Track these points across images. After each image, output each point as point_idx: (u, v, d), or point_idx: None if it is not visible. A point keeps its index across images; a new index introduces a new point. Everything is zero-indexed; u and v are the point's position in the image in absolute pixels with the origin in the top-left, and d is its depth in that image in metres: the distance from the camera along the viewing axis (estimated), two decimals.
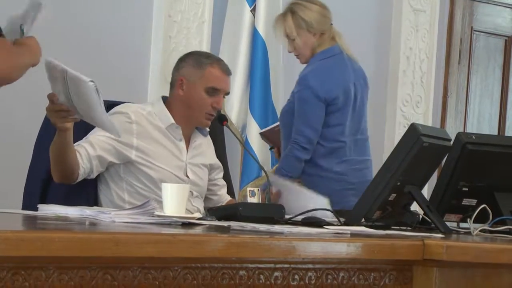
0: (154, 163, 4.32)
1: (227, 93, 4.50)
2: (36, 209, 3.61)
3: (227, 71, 4.44)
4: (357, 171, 5.82)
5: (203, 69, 4.40)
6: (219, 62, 4.51)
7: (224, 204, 4.62)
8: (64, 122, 3.85)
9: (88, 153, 4.22)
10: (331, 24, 5.71)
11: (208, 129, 4.55)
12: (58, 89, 3.96)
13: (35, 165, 4.41)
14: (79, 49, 5.54)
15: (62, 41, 5.48)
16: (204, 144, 4.55)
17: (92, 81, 3.93)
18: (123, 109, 4.40)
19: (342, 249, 3.19)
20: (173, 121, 4.39)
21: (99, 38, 5.69)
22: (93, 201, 4.42)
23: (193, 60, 4.48)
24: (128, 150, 4.30)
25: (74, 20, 5.55)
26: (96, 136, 4.27)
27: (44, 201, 4.18)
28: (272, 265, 3.00)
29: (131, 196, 4.33)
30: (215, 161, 4.61)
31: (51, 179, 4.36)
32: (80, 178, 4.24)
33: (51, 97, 3.80)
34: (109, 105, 4.52)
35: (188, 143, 4.45)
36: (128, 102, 4.61)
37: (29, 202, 4.30)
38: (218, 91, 4.36)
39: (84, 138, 4.29)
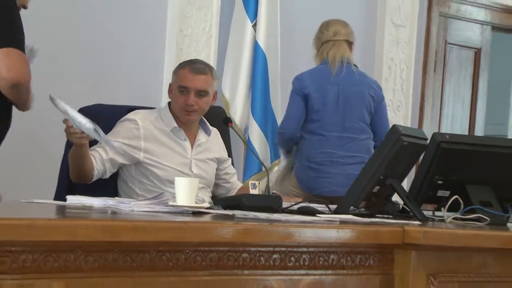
0: (161, 162, 4.31)
1: (202, 91, 4.37)
2: (65, 200, 3.62)
3: (195, 71, 4.38)
4: (338, 164, 5.80)
5: (176, 72, 4.44)
6: (190, 64, 4.48)
7: (237, 190, 4.66)
8: (80, 141, 3.91)
9: (102, 157, 4.24)
10: (325, 42, 5.73)
11: (211, 129, 4.53)
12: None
13: (66, 163, 4.41)
14: (103, 60, 5.52)
15: (85, 53, 5.47)
16: (210, 141, 4.54)
17: (90, 122, 3.93)
18: (132, 116, 4.40)
19: (332, 235, 3.19)
20: (175, 124, 4.39)
21: (119, 50, 5.69)
22: (114, 194, 4.43)
23: (175, 68, 4.54)
24: (137, 152, 4.31)
25: (98, 33, 5.53)
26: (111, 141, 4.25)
27: (73, 192, 4.18)
28: (271, 249, 3.00)
29: (142, 191, 4.33)
30: (222, 154, 4.60)
31: None
32: (94, 179, 4.26)
33: (65, 122, 3.82)
34: (129, 110, 4.54)
35: (193, 141, 4.44)
36: (142, 108, 4.61)
37: (60, 194, 4.31)
38: (186, 89, 4.33)
39: (98, 142, 4.27)
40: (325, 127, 5.79)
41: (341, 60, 5.72)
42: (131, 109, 4.59)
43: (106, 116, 4.54)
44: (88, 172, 4.18)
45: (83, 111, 4.47)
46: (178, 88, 4.36)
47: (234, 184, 4.65)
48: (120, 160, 4.31)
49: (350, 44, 5.83)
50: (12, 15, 3.86)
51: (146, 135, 4.32)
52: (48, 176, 4.49)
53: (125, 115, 4.52)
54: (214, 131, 4.60)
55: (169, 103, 4.50)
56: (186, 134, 4.42)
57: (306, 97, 5.71)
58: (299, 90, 5.76)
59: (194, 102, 4.33)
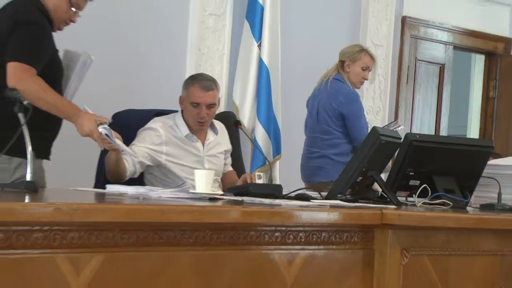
0: (179, 162, 4.28)
1: (211, 104, 4.31)
2: (104, 188, 3.62)
3: (205, 88, 4.28)
4: (306, 157, 5.79)
5: (187, 89, 4.33)
6: (199, 82, 4.34)
7: (225, 173, 4.62)
8: (110, 147, 3.85)
9: (133, 160, 4.20)
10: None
11: (218, 128, 4.48)
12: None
13: (102, 158, 4.41)
14: (136, 74, 5.52)
15: (120, 68, 5.45)
16: (218, 138, 4.49)
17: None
18: (153, 125, 4.33)
19: (324, 217, 3.19)
20: (188, 131, 4.32)
21: (148, 66, 5.68)
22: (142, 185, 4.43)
23: (184, 83, 4.42)
24: (160, 156, 4.27)
25: (133, 54, 5.53)
26: (138, 146, 4.24)
27: (110, 182, 4.18)
28: (273, 228, 2.99)
29: (164, 187, 4.30)
30: (229, 146, 4.57)
31: None
32: (127, 178, 4.24)
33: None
34: (156, 114, 4.54)
35: (204, 141, 4.41)
36: (166, 110, 4.61)
37: (98, 183, 4.32)
38: (199, 105, 4.25)
39: (129, 146, 4.22)
40: (306, 130, 5.81)
41: (326, 77, 5.69)
42: (157, 113, 4.56)
43: (137, 119, 4.51)
44: (122, 173, 4.15)
45: (119, 114, 4.47)
46: (191, 104, 4.28)
47: (226, 169, 4.61)
48: (147, 162, 4.28)
49: (341, 62, 5.70)
50: (33, 32, 3.79)
51: (166, 141, 4.29)
52: (87, 170, 4.46)
53: (152, 118, 4.48)
54: (220, 126, 4.55)
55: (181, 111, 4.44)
56: (197, 136, 4.39)
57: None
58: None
59: (205, 114, 4.28)
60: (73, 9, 3.93)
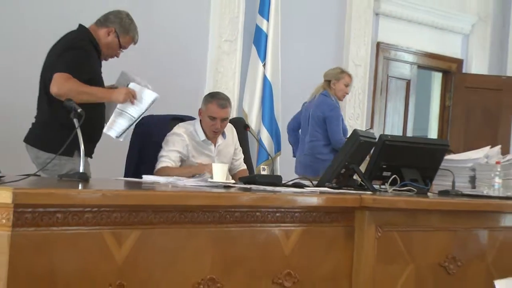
0: (196, 161, 4.23)
1: (225, 118, 4.27)
2: (140, 178, 3.61)
3: (221, 106, 4.22)
4: (299, 156, 5.82)
5: (206, 104, 4.26)
6: (217, 100, 4.27)
7: (238, 170, 4.51)
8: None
9: (175, 163, 4.14)
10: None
11: (226, 133, 4.40)
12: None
13: (131, 152, 4.42)
14: (163, 88, 5.51)
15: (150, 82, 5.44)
16: (226, 141, 4.40)
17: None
18: (178, 130, 4.26)
19: (314, 200, 3.19)
20: (204, 137, 4.26)
21: (175, 84, 5.65)
22: None
23: (204, 99, 4.36)
24: (186, 156, 4.21)
25: (160, 68, 5.51)
26: (171, 151, 4.18)
27: (136, 173, 4.16)
28: (275, 209, 2.98)
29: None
30: (235, 145, 4.48)
31: (140, 162, 4.36)
32: None
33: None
34: (171, 118, 4.53)
35: (215, 144, 4.35)
36: (182, 115, 4.60)
37: (128, 174, 4.31)
38: (215, 119, 4.20)
39: (164, 151, 4.19)
40: (302, 133, 5.84)
41: (315, 94, 5.73)
42: (172, 118, 4.52)
43: (155, 121, 4.46)
44: None
45: (144, 118, 4.44)
46: (209, 117, 4.22)
47: (238, 166, 4.51)
48: (180, 163, 4.23)
49: (326, 81, 5.75)
50: (76, 53, 3.75)
51: (189, 144, 4.24)
52: (116, 164, 4.41)
53: (168, 121, 4.45)
54: (229, 128, 4.46)
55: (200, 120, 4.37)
56: (211, 141, 4.35)
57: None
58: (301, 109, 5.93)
59: (219, 126, 4.23)
60: (121, 50, 3.94)
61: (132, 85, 3.81)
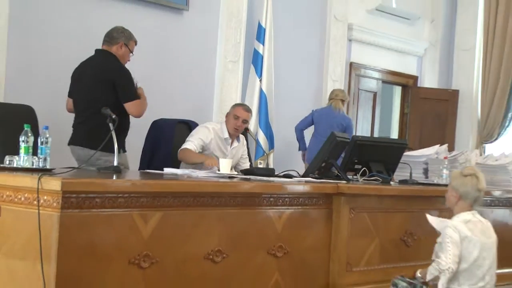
0: (213, 153, 4.19)
1: (246, 120, 4.27)
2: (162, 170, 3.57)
3: (245, 110, 4.27)
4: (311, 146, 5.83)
5: (234, 108, 4.26)
6: (243, 106, 4.38)
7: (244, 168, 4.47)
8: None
9: (197, 148, 4.07)
10: (331, 98, 5.89)
11: (240, 139, 4.36)
12: None
13: (146, 147, 4.37)
14: (178, 97, 5.48)
15: (166, 94, 5.40)
16: (238, 145, 4.34)
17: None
18: (208, 125, 4.23)
19: (301, 188, 3.18)
20: (227, 135, 4.22)
21: (187, 96, 5.60)
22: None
23: (233, 105, 4.35)
24: (207, 145, 4.16)
25: (175, 83, 5.48)
26: (197, 138, 4.12)
27: (150, 164, 4.13)
28: (269, 195, 2.97)
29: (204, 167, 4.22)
30: (243, 150, 4.40)
31: (152, 156, 4.28)
32: None
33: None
34: (178, 121, 4.47)
35: (231, 145, 4.33)
36: (182, 122, 4.53)
37: (142, 166, 4.26)
38: (238, 118, 4.18)
39: (192, 137, 4.13)
40: (321, 135, 5.72)
41: (338, 108, 5.80)
42: (180, 121, 4.49)
43: (166, 123, 4.41)
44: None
45: (156, 121, 4.38)
46: (234, 116, 4.21)
47: (244, 166, 4.48)
48: (200, 149, 4.15)
49: (342, 100, 5.87)
50: (132, 82, 3.79)
51: (213, 138, 4.17)
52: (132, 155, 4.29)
53: (175, 125, 4.43)
54: (242, 138, 4.43)
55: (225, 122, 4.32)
56: (231, 138, 4.31)
57: (313, 120, 5.86)
58: (311, 115, 5.90)
59: (240, 125, 4.21)
60: (131, 54, 3.93)
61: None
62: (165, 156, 4.24)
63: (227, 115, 4.30)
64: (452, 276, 2.77)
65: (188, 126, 4.49)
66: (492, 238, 2.90)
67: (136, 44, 3.95)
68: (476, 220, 2.88)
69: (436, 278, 2.79)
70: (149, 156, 4.30)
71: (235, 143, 4.34)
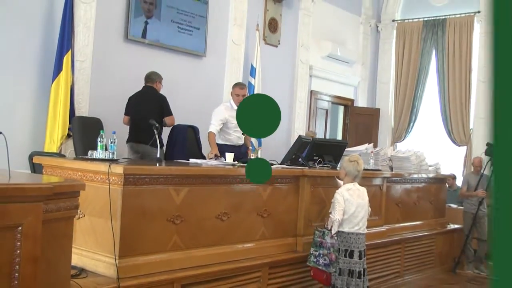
0: (228, 125, 3.93)
1: (245, 94, 3.87)
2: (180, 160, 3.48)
3: (242, 87, 3.94)
4: None
5: (234, 88, 4.01)
6: (238, 85, 4.00)
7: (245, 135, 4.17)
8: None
9: (218, 127, 3.87)
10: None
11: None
12: None
13: (168, 143, 4.07)
14: (191, 110, 5.36)
15: (180, 97, 5.33)
16: None
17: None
18: (220, 107, 3.93)
19: (279, 172, 3.17)
20: (235, 106, 3.79)
21: (197, 110, 5.50)
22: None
23: (233, 86, 4.07)
24: (225, 119, 3.87)
25: (187, 95, 5.41)
26: (216, 120, 3.86)
27: (170, 158, 3.82)
28: None
29: (222, 133, 3.94)
30: None
31: (172, 150, 3.96)
32: None
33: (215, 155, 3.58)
34: (189, 126, 4.23)
35: None
36: (190, 127, 4.23)
37: (166, 156, 3.87)
38: (239, 95, 3.92)
39: (212, 120, 3.81)
40: None
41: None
42: (189, 126, 4.19)
43: (180, 127, 4.14)
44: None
45: (176, 126, 4.17)
46: (235, 94, 3.96)
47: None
48: (221, 126, 3.89)
49: None
50: (166, 101, 3.93)
51: (225, 113, 3.88)
52: None
53: (186, 130, 4.08)
54: None
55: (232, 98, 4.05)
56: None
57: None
58: None
59: (242, 98, 3.87)
60: (162, 86, 4.05)
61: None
62: (182, 149, 4.02)
63: (231, 94, 4.04)
64: (339, 224, 2.96)
65: (193, 128, 4.27)
66: (365, 200, 3.05)
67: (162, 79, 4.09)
68: (355, 188, 3.05)
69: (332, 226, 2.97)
70: (171, 150, 4.08)
71: None
